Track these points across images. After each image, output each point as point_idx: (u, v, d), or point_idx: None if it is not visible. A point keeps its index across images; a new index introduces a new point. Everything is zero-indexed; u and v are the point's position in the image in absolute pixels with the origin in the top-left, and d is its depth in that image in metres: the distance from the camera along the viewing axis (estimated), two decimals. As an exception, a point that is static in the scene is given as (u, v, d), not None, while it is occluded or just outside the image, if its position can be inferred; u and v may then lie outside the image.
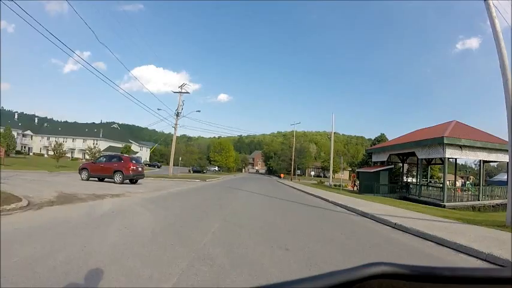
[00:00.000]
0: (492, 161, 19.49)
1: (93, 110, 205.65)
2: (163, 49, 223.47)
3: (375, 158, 25.99)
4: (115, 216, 6.46)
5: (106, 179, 17.58)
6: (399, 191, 21.39)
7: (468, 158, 17.75)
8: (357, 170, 24.88)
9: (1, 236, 4.04)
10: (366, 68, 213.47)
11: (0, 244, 3.65)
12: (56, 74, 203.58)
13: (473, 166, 74.68)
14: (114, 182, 16.68)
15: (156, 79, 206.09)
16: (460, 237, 5.51)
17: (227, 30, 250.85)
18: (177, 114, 32.22)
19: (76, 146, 68.03)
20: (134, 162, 18.64)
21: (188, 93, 33.00)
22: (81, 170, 18.05)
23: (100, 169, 17.58)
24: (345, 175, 76.35)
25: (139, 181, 18.81)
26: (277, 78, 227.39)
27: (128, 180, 17.38)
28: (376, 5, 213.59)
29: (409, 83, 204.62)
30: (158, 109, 32.98)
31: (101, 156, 21.48)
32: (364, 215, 9.14)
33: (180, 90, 32.95)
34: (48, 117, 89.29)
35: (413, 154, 22.89)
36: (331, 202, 12.93)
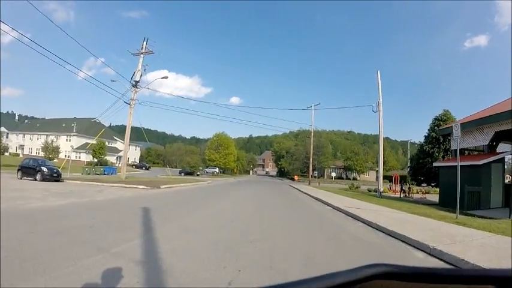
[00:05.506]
0: None
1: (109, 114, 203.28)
2: (175, 55, 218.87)
3: (455, 145, 14.29)
4: None
5: None
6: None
7: None
8: (434, 165, 13.41)
9: None
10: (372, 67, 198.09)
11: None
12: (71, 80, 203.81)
13: None
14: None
15: (169, 83, 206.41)
16: None
17: (236, 32, 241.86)
18: (135, 85, 21.50)
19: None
20: None
21: (152, 52, 22.26)
22: None
23: None
24: (371, 176, 63.80)
25: None
26: (290, 78, 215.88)
27: None
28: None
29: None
30: (112, 81, 22.25)
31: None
32: None
33: (140, 51, 22.18)
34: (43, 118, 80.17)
35: None
36: None
